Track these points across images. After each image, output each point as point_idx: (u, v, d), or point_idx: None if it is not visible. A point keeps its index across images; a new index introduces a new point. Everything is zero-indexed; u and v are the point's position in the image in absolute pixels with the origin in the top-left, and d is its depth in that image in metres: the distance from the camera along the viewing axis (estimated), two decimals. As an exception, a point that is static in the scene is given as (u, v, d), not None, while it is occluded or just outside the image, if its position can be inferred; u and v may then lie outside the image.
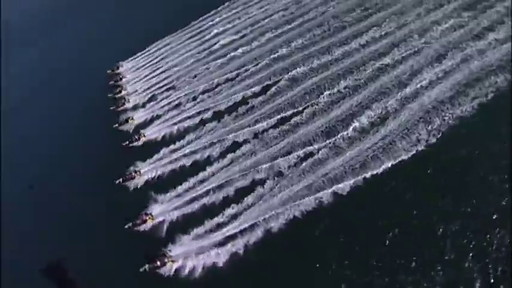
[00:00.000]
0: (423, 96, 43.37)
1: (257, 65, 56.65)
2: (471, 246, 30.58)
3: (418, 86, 44.91)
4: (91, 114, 60.22)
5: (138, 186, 44.93)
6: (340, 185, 37.04)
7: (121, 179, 45.36)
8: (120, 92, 62.54)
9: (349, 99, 45.84)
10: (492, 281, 28.51)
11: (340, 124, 43.20)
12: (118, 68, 68.98)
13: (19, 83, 79.37)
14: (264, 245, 34.75)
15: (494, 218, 31.79)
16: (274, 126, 45.75)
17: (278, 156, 41.74)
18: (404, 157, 37.86)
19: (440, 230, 31.94)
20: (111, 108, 58.91)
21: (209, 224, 37.41)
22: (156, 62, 66.97)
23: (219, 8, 74.51)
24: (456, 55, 47.56)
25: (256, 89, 52.37)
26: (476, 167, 35.69)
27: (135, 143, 51.07)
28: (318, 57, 54.00)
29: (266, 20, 66.37)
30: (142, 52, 71.15)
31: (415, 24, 54.45)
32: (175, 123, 51.68)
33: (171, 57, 66.68)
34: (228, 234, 36.17)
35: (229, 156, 43.75)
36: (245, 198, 38.45)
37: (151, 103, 57.87)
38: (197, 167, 44.02)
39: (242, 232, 36.00)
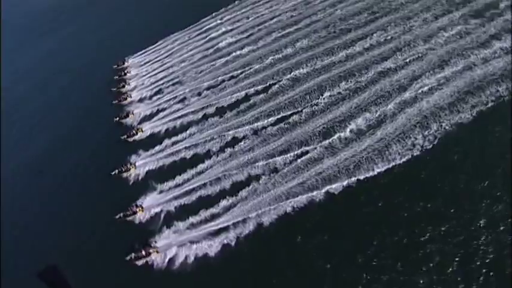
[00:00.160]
0: (422, 102, 43.57)
1: (261, 63, 57.59)
2: (457, 252, 30.92)
3: (419, 91, 45.10)
4: (93, 108, 61.98)
5: (134, 178, 46.30)
6: (333, 185, 37.77)
7: (116, 171, 46.82)
8: (124, 86, 64.13)
9: (348, 101, 46.39)
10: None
11: (338, 125, 43.82)
12: (124, 63, 70.57)
13: (23, 78, 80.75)
14: (255, 238, 35.81)
15: (481, 225, 32.06)
16: (273, 124, 46.65)
17: (275, 154, 42.69)
18: (399, 161, 38.36)
19: (427, 233, 32.42)
20: (114, 102, 60.60)
21: (201, 216, 38.65)
22: (163, 58, 68.36)
23: (228, 7, 75.64)
24: (459, 62, 47.45)
25: (259, 87, 53.35)
26: (468, 174, 35.93)
27: (134, 137, 52.52)
28: (322, 58, 54.52)
29: (273, 20, 67.15)
30: (150, 48, 72.65)
31: (421, 30, 54.39)
32: (177, 118, 53.05)
33: (178, 53, 67.97)
34: (220, 226, 37.35)
35: (228, 150, 44.93)
36: (239, 192, 39.60)
37: (154, 97, 59.35)
38: (196, 160, 45.23)
39: (235, 224, 37.14)
